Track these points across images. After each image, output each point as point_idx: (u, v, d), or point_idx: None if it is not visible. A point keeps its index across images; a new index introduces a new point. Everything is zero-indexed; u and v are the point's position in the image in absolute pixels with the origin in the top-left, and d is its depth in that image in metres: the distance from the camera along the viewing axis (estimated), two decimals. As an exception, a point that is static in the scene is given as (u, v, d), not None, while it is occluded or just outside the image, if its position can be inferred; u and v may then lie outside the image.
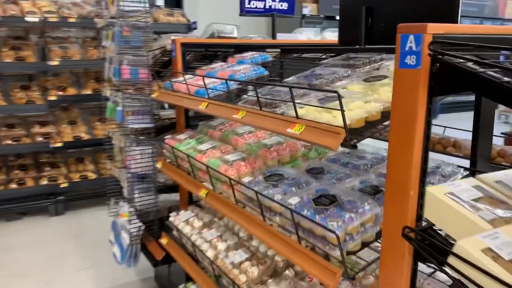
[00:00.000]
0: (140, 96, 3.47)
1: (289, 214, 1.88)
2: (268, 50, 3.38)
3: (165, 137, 3.21)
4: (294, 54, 3.58)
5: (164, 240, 3.35)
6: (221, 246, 2.82)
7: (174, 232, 3.36)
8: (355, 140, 1.56)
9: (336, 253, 1.69)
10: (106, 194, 4.37)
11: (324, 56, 3.62)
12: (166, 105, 4.29)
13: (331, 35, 4.01)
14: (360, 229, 1.74)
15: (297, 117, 1.77)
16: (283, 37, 3.74)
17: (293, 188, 2.08)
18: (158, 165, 3.26)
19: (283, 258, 2.52)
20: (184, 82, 2.75)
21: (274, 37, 3.76)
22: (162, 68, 3.72)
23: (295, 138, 1.70)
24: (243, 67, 2.90)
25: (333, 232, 1.62)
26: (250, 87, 2.47)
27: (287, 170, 2.32)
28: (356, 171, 2.30)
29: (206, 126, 3.32)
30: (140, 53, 3.37)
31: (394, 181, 1.43)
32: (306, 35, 3.88)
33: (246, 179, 2.27)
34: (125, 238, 3.70)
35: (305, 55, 3.60)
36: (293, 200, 1.92)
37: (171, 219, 3.36)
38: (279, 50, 3.51)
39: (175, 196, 4.42)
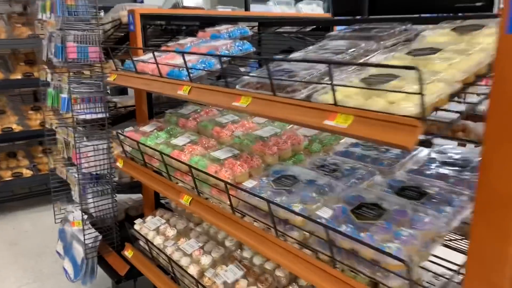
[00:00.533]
0: (91, 80, 2.84)
1: (319, 229, 1.44)
2: (245, 23, 2.87)
3: (126, 129, 2.63)
4: (272, 28, 3.10)
5: (128, 253, 2.80)
6: (205, 260, 2.34)
7: (141, 243, 2.82)
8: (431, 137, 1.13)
9: (395, 283, 1.28)
10: (46, 194, 3.71)
11: (307, 30, 3.19)
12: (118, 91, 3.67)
13: (307, 8, 3.56)
14: (421, 248, 1.34)
15: (335, 103, 1.31)
16: (257, 9, 3.24)
17: (314, 194, 1.64)
18: (119, 164, 2.68)
19: (285, 273, 2.09)
20: (154, 61, 2.19)
21: (247, 8, 3.25)
22: (117, 45, 3.09)
23: (339, 133, 1.25)
24: (223, 43, 2.39)
25: (400, 260, 1.20)
26: (242, 69, 1.97)
27: (296, 169, 1.87)
28: (378, 167, 1.90)
29: (175, 115, 2.78)
30: (89, 27, 2.73)
31: (492, 191, 1.04)
32: (280, 7, 3.40)
33: (248, 184, 1.79)
34: (79, 250, 3.10)
35: (285, 29, 3.15)
36: (324, 212, 1.47)
37: (136, 227, 2.80)
38: (255, 23, 3.01)
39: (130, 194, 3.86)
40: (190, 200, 2.04)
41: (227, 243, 2.47)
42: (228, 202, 1.88)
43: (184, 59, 1.94)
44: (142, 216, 3.70)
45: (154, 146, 2.39)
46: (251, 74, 1.76)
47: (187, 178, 2.16)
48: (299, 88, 1.53)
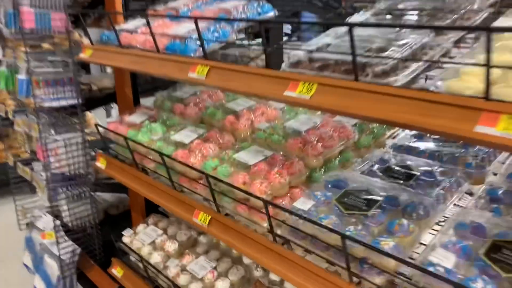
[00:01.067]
0: (56, 57, 2.21)
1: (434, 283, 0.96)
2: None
3: (108, 120, 2.04)
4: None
5: (117, 271, 2.26)
6: (222, 285, 1.84)
7: (132, 257, 2.28)
8: None
9: None
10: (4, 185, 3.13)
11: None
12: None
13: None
14: None
15: (487, 97, 0.80)
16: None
17: (404, 221, 1.14)
18: (100, 165, 2.10)
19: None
20: (145, 30, 1.60)
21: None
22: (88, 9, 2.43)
23: None
24: (234, 4, 1.81)
25: None
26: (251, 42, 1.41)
27: (358, 178, 1.37)
28: (466, 170, 1.42)
29: (169, 99, 2.20)
30: (49, -14, 2.08)
31: None
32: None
33: (301, 204, 1.28)
34: (52, 266, 2.53)
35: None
36: (447, 261, 0.98)
37: (126, 239, 2.26)
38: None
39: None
40: (208, 219, 1.50)
41: (246, 260, 1.98)
42: (266, 225, 1.37)
43: (197, 26, 1.36)
44: (125, 215, 3.16)
45: (150, 144, 1.83)
46: (302, 47, 1.21)
47: (198, 186, 1.63)
48: (386, 70, 1.01)
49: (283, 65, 1.21)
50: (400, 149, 1.61)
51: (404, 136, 1.72)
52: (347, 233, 1.14)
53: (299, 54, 1.22)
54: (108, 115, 4.65)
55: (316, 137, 1.56)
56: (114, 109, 4.56)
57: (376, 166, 1.50)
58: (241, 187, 1.41)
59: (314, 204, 1.25)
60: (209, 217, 1.51)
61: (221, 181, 1.44)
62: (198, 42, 1.44)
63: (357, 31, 1.12)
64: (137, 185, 1.88)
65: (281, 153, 1.53)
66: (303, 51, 1.18)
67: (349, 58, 1.03)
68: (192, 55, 1.51)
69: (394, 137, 1.74)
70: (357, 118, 1.55)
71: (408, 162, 1.46)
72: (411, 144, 1.62)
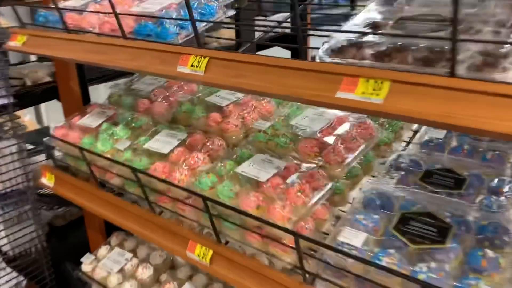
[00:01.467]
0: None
1: None
2: None
3: (56, 125, 1.61)
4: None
5: (78, 306, 1.86)
6: (217, 319, 1.52)
7: (95, 286, 1.88)
8: None
9: None
10: None
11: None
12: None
13: None
14: None
15: None
16: None
17: (492, 255, 0.88)
18: (47, 182, 1.66)
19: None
20: (100, 7, 1.19)
21: None
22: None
23: None
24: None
25: None
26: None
27: (402, 192, 1.10)
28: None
29: (128, 93, 1.79)
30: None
31: None
32: None
33: (347, 237, 0.97)
34: (-9, 304, 2.06)
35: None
36: None
37: (86, 268, 1.85)
38: None
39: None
40: (209, 254, 1.16)
41: (240, 283, 1.66)
42: (290, 260, 1.07)
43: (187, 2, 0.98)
44: (73, 224, 2.71)
45: (115, 155, 1.43)
46: (351, 27, 0.89)
47: (186, 208, 1.28)
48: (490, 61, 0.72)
49: (319, 52, 0.88)
50: (429, 145, 1.35)
51: (424, 128, 1.46)
52: (421, 276, 0.86)
53: (339, 37, 0.89)
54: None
55: (335, 138, 1.25)
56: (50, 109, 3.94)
57: (409, 169, 1.23)
58: (256, 213, 1.08)
59: (367, 236, 0.95)
60: (210, 251, 1.17)
61: (227, 206, 1.10)
62: (188, 25, 1.07)
63: None
64: (100, 208, 1.48)
65: (295, 162, 1.21)
66: (355, 33, 0.85)
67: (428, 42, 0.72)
68: (173, 40, 1.13)
69: (415, 131, 1.48)
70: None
71: (449, 164, 1.20)
72: (437, 139, 1.36)
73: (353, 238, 0.94)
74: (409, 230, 0.94)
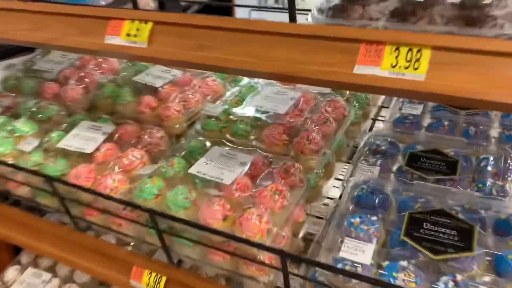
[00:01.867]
0: None
1: None
2: None
3: None
4: None
5: None
6: None
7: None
8: None
9: None
10: None
11: None
12: None
13: None
14: None
15: None
16: None
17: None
18: None
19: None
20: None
21: None
22: None
23: None
24: None
25: None
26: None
27: (396, 182, 0.92)
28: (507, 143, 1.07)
29: (27, 75, 1.41)
30: None
31: None
32: None
33: (366, 259, 0.76)
34: None
35: None
36: None
37: (-10, 297, 1.47)
38: None
39: None
40: (162, 282, 0.90)
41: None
42: (268, 280, 0.85)
43: None
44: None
45: (18, 158, 1.08)
46: None
47: (123, 222, 0.99)
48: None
49: (313, 11, 0.64)
50: (404, 123, 1.18)
51: (394, 103, 1.29)
52: (449, 294, 0.68)
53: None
54: None
55: (306, 121, 1.04)
56: None
57: (389, 152, 1.06)
58: (223, 227, 0.83)
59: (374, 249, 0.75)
60: (163, 277, 0.90)
61: (185, 221, 0.84)
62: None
63: None
64: (2, 228, 1.13)
65: (264, 154, 0.98)
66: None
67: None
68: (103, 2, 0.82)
69: (379, 105, 1.31)
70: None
71: (431, 143, 1.05)
72: (412, 114, 1.20)
73: (358, 252, 0.74)
74: (425, 236, 0.75)
